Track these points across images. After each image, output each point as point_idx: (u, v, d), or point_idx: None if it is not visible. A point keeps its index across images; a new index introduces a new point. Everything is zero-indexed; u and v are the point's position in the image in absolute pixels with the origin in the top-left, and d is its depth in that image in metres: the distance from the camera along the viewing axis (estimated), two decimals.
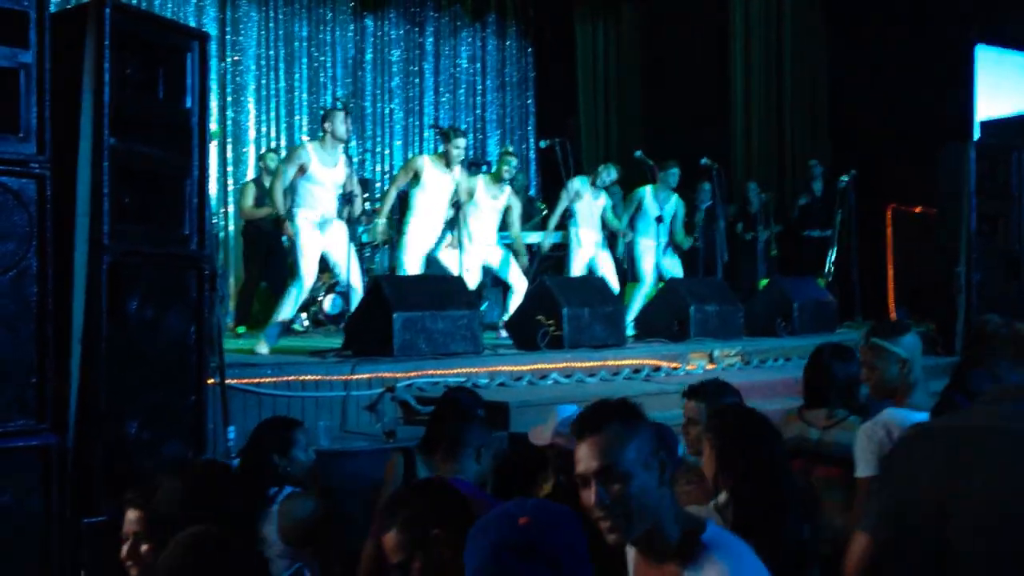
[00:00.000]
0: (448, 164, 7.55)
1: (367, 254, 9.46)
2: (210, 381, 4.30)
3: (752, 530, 2.58)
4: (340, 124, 6.71)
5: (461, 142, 7.59)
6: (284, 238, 7.71)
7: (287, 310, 6.72)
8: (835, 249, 10.13)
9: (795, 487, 2.76)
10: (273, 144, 11.21)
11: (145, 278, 3.75)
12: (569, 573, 1.65)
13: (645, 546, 1.93)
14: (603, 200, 8.86)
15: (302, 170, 6.64)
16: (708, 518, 2.61)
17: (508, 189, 8.21)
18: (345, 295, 7.34)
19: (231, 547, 2.13)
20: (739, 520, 2.60)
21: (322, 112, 7.31)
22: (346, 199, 6.86)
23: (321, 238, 6.72)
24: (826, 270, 10.15)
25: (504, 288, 8.79)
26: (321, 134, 6.84)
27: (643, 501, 1.87)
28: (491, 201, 8.08)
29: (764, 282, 10.01)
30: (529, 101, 14.09)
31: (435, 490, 2.29)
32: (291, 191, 6.69)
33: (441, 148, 7.72)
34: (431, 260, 7.87)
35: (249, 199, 9.00)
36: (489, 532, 1.69)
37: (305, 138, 7.01)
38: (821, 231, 10.39)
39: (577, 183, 8.57)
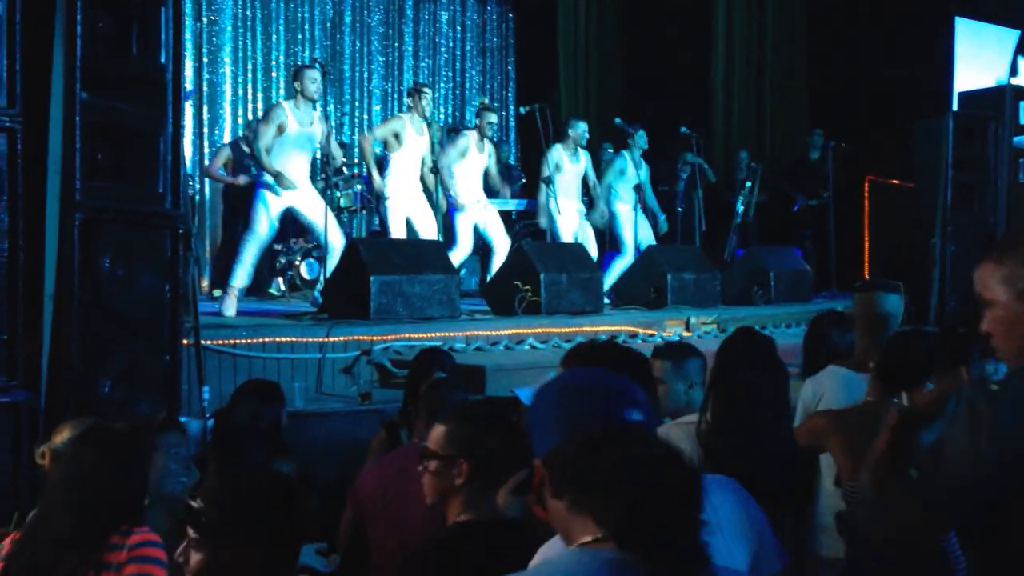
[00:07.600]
0: (427, 125, 7.58)
1: (344, 219, 9.38)
2: (185, 342, 4.28)
3: (722, 465, 2.57)
4: (310, 83, 6.67)
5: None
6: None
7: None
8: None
9: (781, 430, 2.72)
10: (250, 106, 11.10)
11: (118, 235, 3.70)
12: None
13: None
14: (584, 161, 8.54)
15: (280, 130, 6.59)
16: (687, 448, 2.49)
17: (487, 143, 8.12)
18: (322, 259, 7.29)
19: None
20: (709, 452, 2.58)
21: (294, 70, 7.26)
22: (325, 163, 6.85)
23: (285, 198, 6.64)
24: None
25: (483, 256, 8.72)
26: (295, 93, 6.82)
27: None
28: (479, 156, 8.03)
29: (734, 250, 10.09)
30: (509, 67, 13.96)
31: None
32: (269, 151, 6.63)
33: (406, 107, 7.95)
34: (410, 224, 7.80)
35: (220, 161, 8.89)
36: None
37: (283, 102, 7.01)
38: (817, 200, 10.29)
39: (556, 154, 8.27)
